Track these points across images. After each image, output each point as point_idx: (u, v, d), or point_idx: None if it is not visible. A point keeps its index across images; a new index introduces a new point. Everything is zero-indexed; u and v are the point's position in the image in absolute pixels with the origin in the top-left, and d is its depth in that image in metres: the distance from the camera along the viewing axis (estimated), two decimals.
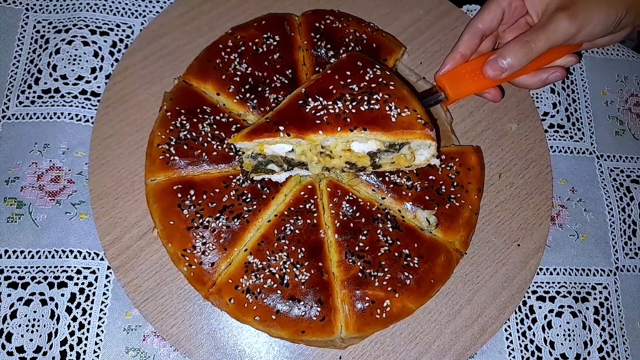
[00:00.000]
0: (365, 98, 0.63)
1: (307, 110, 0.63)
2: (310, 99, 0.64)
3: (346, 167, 0.66)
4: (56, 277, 0.69)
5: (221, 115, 0.70)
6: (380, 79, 0.65)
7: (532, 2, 0.72)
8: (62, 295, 0.69)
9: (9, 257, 0.70)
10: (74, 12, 0.81)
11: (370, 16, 0.82)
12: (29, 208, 0.72)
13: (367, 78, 0.65)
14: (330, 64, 0.70)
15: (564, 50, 0.74)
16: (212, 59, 0.72)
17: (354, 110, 0.62)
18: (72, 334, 0.68)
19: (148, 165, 0.69)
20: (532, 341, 0.76)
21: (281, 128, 0.61)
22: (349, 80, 0.65)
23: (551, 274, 0.79)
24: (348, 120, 0.62)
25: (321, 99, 0.64)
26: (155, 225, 0.67)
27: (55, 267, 0.70)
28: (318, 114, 0.63)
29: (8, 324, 0.68)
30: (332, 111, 0.63)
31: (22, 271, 0.69)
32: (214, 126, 0.69)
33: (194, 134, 0.68)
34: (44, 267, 0.70)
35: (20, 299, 0.68)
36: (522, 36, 0.69)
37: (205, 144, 0.68)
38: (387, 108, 0.63)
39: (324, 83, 0.65)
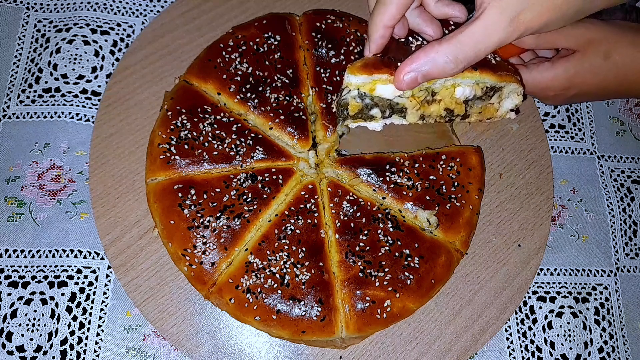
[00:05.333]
0: None
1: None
2: (411, 38, 0.65)
3: (442, 114, 0.67)
4: (56, 277, 0.69)
5: (222, 114, 0.70)
6: None
7: None
8: (63, 294, 0.69)
9: (9, 256, 0.70)
10: (74, 11, 0.81)
11: None
12: (29, 207, 0.72)
13: None
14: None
15: None
16: (213, 58, 0.72)
17: None
18: (72, 333, 0.68)
19: (149, 164, 0.69)
20: (532, 341, 0.76)
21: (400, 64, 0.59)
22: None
23: (552, 274, 0.79)
24: None
25: (425, 42, 0.64)
26: (156, 225, 0.67)
27: (56, 266, 0.70)
28: None
29: (8, 323, 0.68)
30: None
31: (23, 270, 0.69)
32: (215, 126, 0.69)
33: (194, 134, 0.68)
34: (45, 266, 0.70)
35: (20, 298, 0.68)
36: None
37: (206, 144, 0.68)
38: None
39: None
